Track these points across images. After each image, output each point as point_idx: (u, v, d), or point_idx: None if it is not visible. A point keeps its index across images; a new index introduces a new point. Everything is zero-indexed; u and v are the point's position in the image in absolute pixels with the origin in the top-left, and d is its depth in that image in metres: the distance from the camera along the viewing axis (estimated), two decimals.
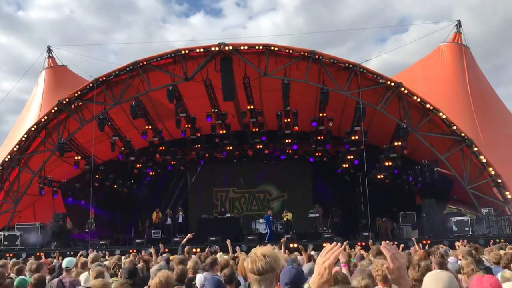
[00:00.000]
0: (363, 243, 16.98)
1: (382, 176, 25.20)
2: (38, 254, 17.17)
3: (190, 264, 6.89)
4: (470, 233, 18.48)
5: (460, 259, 7.43)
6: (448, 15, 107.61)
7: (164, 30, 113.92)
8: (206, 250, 12.00)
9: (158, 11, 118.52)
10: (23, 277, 6.77)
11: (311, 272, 5.67)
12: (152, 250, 9.94)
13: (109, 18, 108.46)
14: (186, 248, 10.62)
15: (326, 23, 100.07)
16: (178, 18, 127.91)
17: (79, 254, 9.73)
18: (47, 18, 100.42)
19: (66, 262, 7.31)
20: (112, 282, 5.37)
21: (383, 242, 2.62)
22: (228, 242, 11.23)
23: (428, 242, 16.59)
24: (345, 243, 10.97)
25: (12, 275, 7.73)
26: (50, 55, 25.03)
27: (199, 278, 6.12)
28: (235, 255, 10.21)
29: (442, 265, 6.34)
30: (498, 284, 3.12)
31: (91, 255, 8.41)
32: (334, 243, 2.33)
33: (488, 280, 3.16)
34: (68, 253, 16.97)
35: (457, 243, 12.19)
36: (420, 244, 11.07)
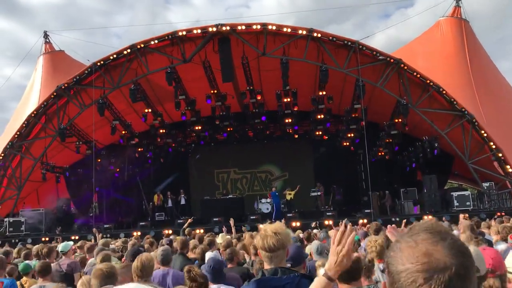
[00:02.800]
0: (365, 220, 17.17)
1: (383, 153, 25.25)
2: (43, 239, 17.39)
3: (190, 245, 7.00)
4: (472, 208, 18.60)
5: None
6: None
7: (167, 11, 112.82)
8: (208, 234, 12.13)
9: None
10: (27, 262, 6.87)
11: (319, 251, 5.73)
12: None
13: (111, 0, 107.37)
14: (187, 230, 10.75)
15: (331, 0, 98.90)
16: None
17: (81, 242, 9.81)
18: (48, 2, 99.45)
19: (61, 246, 7.40)
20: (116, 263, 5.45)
21: (388, 226, 2.61)
22: (232, 221, 11.30)
23: (430, 217, 16.75)
24: (344, 221, 11.08)
25: (18, 260, 7.84)
26: (47, 40, 24.88)
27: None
28: (241, 234, 10.30)
29: None
30: (498, 256, 3.18)
31: (101, 240, 8.51)
32: (343, 226, 2.19)
33: (489, 253, 3.21)
34: (72, 237, 17.22)
35: (461, 216, 12.29)
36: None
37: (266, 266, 2.72)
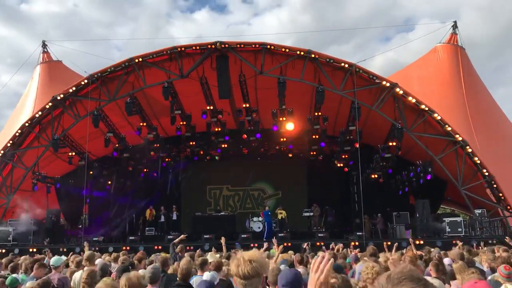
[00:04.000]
0: (357, 243, 17.07)
1: (376, 175, 25.28)
2: (30, 250, 17.15)
3: (183, 263, 6.87)
4: (463, 234, 18.57)
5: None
6: (455, 15, 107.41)
7: (169, 25, 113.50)
8: (198, 251, 11.96)
9: (162, 5, 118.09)
10: (15, 275, 6.73)
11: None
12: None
13: (113, 12, 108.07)
14: (179, 247, 10.59)
15: (332, 21, 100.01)
16: (183, 13, 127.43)
17: (70, 254, 9.67)
18: (50, 11, 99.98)
19: (53, 260, 7.29)
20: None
21: (320, 253, 2.58)
22: (223, 240, 11.18)
23: (421, 242, 16.69)
24: (340, 245, 10.99)
25: (4, 272, 7.69)
26: (45, 50, 24.90)
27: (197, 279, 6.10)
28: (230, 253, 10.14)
29: (438, 267, 6.34)
30: None
31: (86, 253, 8.37)
32: (322, 254, 2.22)
33: (482, 285, 3.17)
34: (60, 249, 16.98)
35: (459, 243, 12.31)
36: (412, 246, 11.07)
37: None
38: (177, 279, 5.88)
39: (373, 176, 25.25)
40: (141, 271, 6.48)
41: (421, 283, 1.23)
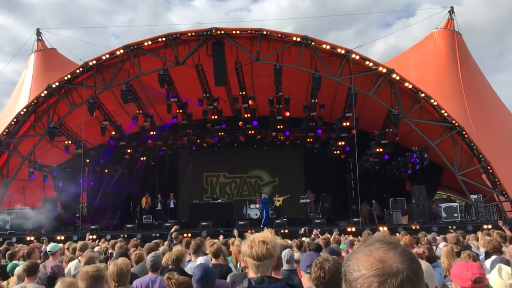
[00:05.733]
0: (353, 229, 17.18)
1: (372, 162, 25.33)
2: (28, 238, 17.17)
3: (175, 248, 6.87)
4: (459, 219, 18.69)
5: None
6: (457, 0, 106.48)
7: (169, 12, 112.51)
8: (197, 238, 12.01)
9: None
10: (15, 262, 6.75)
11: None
12: None
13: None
14: (174, 234, 10.64)
15: (333, 6, 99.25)
16: (182, 0, 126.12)
17: (68, 243, 9.68)
18: None
19: (50, 246, 7.30)
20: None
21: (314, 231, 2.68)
22: (236, 232, 11.44)
23: (417, 227, 16.81)
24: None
25: (3, 261, 7.71)
26: (40, 38, 24.69)
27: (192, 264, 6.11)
28: (230, 240, 10.13)
29: (430, 251, 6.38)
30: (480, 271, 3.16)
31: (79, 243, 8.39)
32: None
33: (471, 267, 3.19)
34: (58, 238, 17.02)
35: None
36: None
37: (252, 274, 2.71)
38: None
39: (369, 162, 25.30)
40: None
41: (391, 246, 1.26)
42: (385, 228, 15.81)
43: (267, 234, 2.79)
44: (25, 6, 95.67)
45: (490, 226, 15.31)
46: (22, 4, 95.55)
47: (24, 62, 25.48)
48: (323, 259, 3.15)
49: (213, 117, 23.91)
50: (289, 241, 9.63)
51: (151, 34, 19.45)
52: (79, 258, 7.34)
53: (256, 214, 22.61)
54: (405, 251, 1.26)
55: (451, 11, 23.08)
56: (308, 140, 26.14)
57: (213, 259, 6.14)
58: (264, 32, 18.68)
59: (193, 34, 19.04)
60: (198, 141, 27.12)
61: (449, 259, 5.65)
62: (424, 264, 3.17)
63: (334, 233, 11.86)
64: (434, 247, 7.36)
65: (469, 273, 3.08)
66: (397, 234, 12.05)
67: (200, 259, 6.13)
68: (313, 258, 3.31)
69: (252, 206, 23.27)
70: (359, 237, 11.94)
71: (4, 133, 20.32)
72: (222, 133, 26.08)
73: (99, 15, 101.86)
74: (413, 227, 16.90)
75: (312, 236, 12.53)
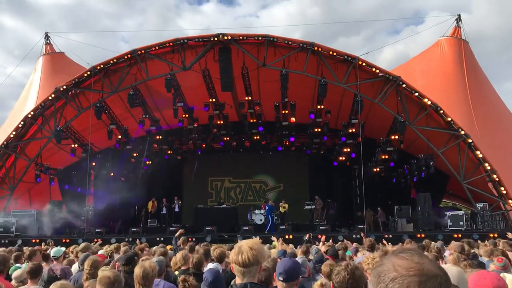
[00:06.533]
0: (358, 236, 17.11)
1: (378, 169, 25.27)
2: (33, 241, 17.24)
3: (179, 255, 6.88)
4: (465, 228, 18.58)
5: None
6: (467, 7, 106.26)
7: (177, 17, 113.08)
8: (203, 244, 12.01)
9: None
10: (18, 265, 6.78)
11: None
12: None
13: (121, 4, 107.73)
14: (181, 240, 10.64)
15: (341, 13, 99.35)
16: (191, 5, 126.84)
17: (72, 246, 9.72)
18: (57, 2, 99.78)
19: (54, 251, 7.33)
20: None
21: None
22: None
23: (423, 235, 16.73)
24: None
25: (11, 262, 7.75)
26: (48, 41, 24.88)
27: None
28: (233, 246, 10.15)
29: (437, 260, 6.38)
30: (501, 282, 3.13)
31: (81, 245, 8.42)
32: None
33: (492, 277, 3.17)
34: (63, 240, 17.07)
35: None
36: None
37: (238, 280, 2.72)
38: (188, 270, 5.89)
39: (375, 169, 25.24)
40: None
41: (422, 254, 1.34)
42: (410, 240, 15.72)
43: (255, 240, 2.80)
44: (35, 10, 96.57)
45: (496, 235, 15.23)
46: (32, 8, 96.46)
47: (33, 66, 25.67)
48: (346, 263, 3.16)
49: (219, 122, 23.96)
50: (293, 248, 9.64)
51: (160, 39, 19.65)
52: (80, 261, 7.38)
53: (261, 220, 22.59)
54: (435, 260, 1.38)
55: (458, 19, 23.05)
56: (314, 146, 26.12)
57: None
58: (271, 39, 18.75)
59: (200, 39, 19.13)
60: (204, 145, 27.17)
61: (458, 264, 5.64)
62: (456, 269, 3.17)
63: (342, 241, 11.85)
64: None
65: (487, 281, 3.07)
66: (400, 243, 12.04)
67: (210, 266, 6.16)
68: (287, 264, 3.27)
69: (256, 211, 23.26)
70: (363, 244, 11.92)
71: (12, 135, 20.45)
72: (228, 138, 26.12)
73: (108, 19, 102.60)
74: (418, 235, 16.83)
75: (306, 239, 12.54)
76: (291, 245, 10.95)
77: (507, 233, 11.78)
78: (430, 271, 1.27)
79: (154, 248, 9.48)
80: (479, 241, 13.13)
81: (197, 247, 8.82)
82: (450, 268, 3.25)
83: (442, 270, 1.30)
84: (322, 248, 8.58)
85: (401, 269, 1.28)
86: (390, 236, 16.60)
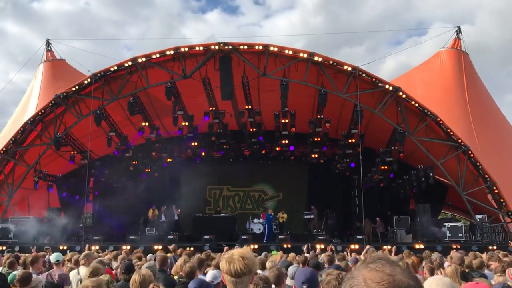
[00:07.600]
0: (357, 246, 17.04)
1: (377, 179, 25.24)
2: (31, 247, 17.15)
3: (185, 261, 6.86)
4: (464, 239, 18.54)
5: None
6: (470, 19, 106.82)
7: (180, 26, 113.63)
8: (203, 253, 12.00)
9: (174, 6, 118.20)
10: (15, 272, 6.74)
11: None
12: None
13: (125, 11, 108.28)
14: (172, 246, 10.61)
15: (345, 23, 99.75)
16: (194, 14, 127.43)
17: (71, 254, 9.68)
18: (61, 9, 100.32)
19: (54, 256, 7.31)
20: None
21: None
22: (226, 249, 11.31)
23: (422, 246, 16.68)
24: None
25: (3, 269, 7.71)
26: (49, 48, 24.97)
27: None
28: None
29: (433, 271, 6.35)
30: None
31: (84, 253, 8.38)
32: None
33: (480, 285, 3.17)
34: (61, 247, 16.99)
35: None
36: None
37: None
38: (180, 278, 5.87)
39: (374, 179, 25.21)
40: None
41: (394, 264, 1.30)
42: (388, 247, 15.64)
43: (246, 250, 2.75)
44: (39, 17, 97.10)
45: (495, 247, 15.18)
46: (36, 14, 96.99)
47: (35, 72, 25.73)
48: (338, 273, 3.15)
49: (218, 130, 23.96)
50: (296, 257, 9.59)
51: (163, 47, 19.66)
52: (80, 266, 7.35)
53: (259, 229, 22.52)
54: (407, 269, 1.31)
55: (458, 31, 23.18)
56: (313, 155, 26.11)
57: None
58: (272, 48, 18.81)
59: (201, 48, 19.19)
60: (203, 153, 27.14)
61: (454, 279, 5.60)
62: (445, 280, 3.17)
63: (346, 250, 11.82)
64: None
65: None
66: (397, 254, 11.98)
67: (210, 273, 6.11)
68: (308, 273, 3.32)
69: (255, 220, 23.20)
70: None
71: (11, 141, 20.44)
72: (227, 147, 26.09)
73: (112, 27, 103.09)
74: (417, 246, 16.78)
75: (304, 249, 12.54)
76: (292, 254, 10.89)
77: (510, 241, 11.73)
78: (401, 282, 1.23)
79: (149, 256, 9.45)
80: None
81: (197, 255, 8.77)
82: (443, 279, 3.25)
83: (415, 280, 1.26)
84: (325, 258, 8.56)
85: (371, 282, 1.24)
86: (389, 247, 16.52)
